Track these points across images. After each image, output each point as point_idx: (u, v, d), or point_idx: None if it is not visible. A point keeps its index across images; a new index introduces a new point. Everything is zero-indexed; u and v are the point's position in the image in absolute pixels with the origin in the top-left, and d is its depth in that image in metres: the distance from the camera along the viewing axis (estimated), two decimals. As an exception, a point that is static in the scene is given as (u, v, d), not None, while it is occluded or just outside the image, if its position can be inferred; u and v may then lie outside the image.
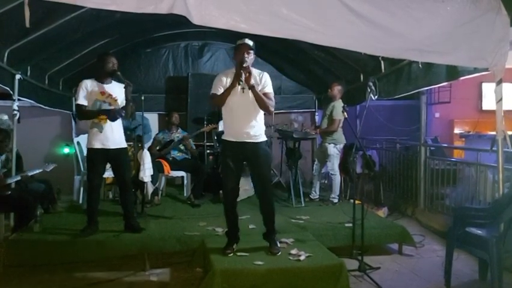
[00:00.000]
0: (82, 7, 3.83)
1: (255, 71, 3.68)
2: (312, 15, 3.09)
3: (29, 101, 5.25)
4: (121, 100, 4.17)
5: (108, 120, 4.08)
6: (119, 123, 4.21)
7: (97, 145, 4.08)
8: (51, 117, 7.30)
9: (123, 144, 4.26)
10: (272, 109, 3.71)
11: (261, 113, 3.67)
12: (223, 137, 3.73)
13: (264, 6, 2.98)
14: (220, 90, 3.57)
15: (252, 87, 3.49)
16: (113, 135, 4.13)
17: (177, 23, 5.60)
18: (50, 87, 5.84)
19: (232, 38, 7.23)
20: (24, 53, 4.48)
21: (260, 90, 3.58)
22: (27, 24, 2.54)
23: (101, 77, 4.14)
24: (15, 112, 4.64)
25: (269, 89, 3.69)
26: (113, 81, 4.21)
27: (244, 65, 3.45)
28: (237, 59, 3.56)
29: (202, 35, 7.18)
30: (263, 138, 3.70)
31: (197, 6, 2.79)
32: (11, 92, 4.59)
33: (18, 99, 4.69)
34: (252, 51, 3.56)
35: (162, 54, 7.56)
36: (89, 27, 4.68)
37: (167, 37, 6.99)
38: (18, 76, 4.58)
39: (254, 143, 3.63)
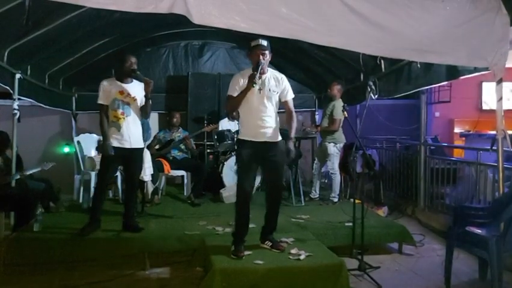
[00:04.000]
0: (82, 6, 3.83)
1: (273, 73, 3.71)
2: (312, 15, 3.09)
3: (29, 100, 5.26)
4: (140, 99, 4.20)
5: (126, 120, 4.11)
6: (137, 123, 4.23)
7: (114, 143, 4.09)
8: (52, 116, 7.30)
9: (140, 144, 4.28)
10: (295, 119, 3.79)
11: (276, 112, 3.67)
12: (241, 137, 3.66)
13: (264, 6, 2.98)
14: (237, 92, 3.54)
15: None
16: (130, 135, 4.14)
17: (177, 22, 5.59)
18: (50, 87, 5.84)
19: (232, 37, 7.32)
20: (25, 52, 4.49)
21: (280, 95, 3.67)
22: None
23: (121, 76, 4.18)
24: (16, 111, 4.64)
25: (291, 95, 3.76)
26: (134, 81, 4.23)
27: (260, 67, 3.44)
28: (253, 60, 3.56)
29: (202, 34, 7.17)
30: (280, 137, 3.68)
31: (197, 5, 2.80)
32: (11, 91, 4.59)
33: (19, 99, 4.70)
34: (267, 52, 3.54)
35: (162, 54, 7.56)
36: (89, 27, 4.67)
37: (167, 36, 6.98)
38: (18, 75, 4.59)
39: (272, 142, 3.61)
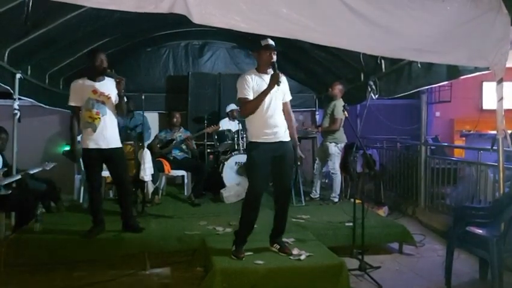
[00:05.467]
0: (82, 6, 3.83)
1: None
2: (312, 15, 3.09)
3: (30, 100, 5.26)
4: (115, 97, 4.06)
5: (102, 120, 4.00)
6: (114, 122, 4.12)
7: (91, 145, 3.99)
8: (52, 116, 7.32)
9: (117, 144, 4.14)
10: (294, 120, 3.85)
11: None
12: (255, 140, 3.53)
13: (264, 6, 2.98)
14: (251, 92, 3.46)
15: None
16: (107, 135, 4.03)
17: (177, 22, 5.60)
18: (51, 87, 5.85)
19: (232, 37, 7.33)
20: (25, 52, 4.50)
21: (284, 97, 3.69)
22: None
23: (92, 75, 4.03)
24: (16, 111, 4.64)
25: (289, 96, 3.78)
26: (106, 78, 4.05)
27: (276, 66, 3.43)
28: (265, 59, 3.49)
29: (202, 34, 7.19)
30: (289, 137, 3.67)
31: (197, 5, 2.79)
32: (12, 91, 4.60)
33: (19, 99, 4.70)
34: (275, 51, 3.51)
35: (162, 54, 7.58)
36: (89, 27, 4.68)
37: (167, 36, 6.99)
38: (18, 75, 4.59)
39: (284, 142, 3.58)
